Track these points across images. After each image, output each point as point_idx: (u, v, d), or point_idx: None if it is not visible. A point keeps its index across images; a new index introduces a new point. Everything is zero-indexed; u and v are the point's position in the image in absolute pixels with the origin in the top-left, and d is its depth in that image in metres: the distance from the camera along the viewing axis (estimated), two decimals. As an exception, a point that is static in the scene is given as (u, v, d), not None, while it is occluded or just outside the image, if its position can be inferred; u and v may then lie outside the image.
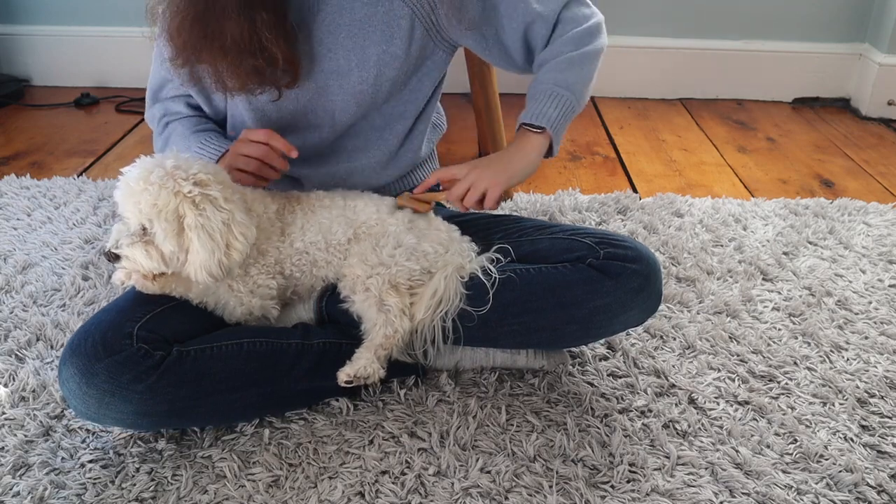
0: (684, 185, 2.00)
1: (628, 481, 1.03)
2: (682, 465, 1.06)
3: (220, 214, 1.04)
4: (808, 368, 1.26)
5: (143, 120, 2.38)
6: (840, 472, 1.05)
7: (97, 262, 1.54)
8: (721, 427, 1.13)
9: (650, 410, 1.16)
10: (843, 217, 1.78)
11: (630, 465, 1.06)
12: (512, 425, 1.12)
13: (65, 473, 1.03)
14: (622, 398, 1.19)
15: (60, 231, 1.67)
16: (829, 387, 1.22)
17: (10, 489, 1.01)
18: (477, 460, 1.05)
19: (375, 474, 1.03)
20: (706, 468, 1.06)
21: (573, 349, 1.28)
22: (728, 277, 1.53)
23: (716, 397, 1.19)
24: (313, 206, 1.19)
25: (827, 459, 1.07)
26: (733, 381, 1.23)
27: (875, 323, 1.39)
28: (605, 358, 1.28)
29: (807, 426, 1.14)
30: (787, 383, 1.22)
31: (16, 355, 1.26)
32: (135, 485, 1.01)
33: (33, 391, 1.18)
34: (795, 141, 2.32)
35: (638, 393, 1.20)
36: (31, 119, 2.42)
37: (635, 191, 1.96)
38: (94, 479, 1.02)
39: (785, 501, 1.00)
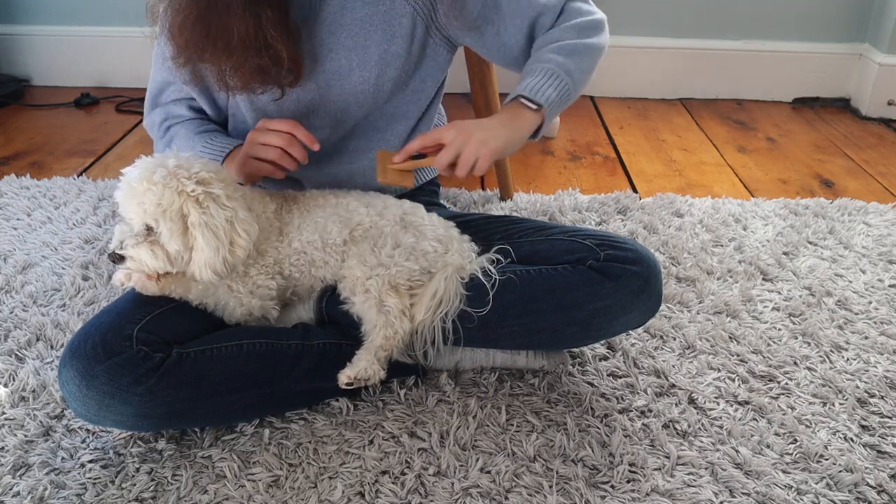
0: (684, 185, 2.00)
1: (628, 481, 1.03)
2: (682, 465, 1.06)
3: (223, 212, 1.04)
4: (808, 368, 1.26)
5: (142, 120, 2.39)
6: (840, 472, 1.05)
7: (97, 262, 1.54)
8: (721, 427, 1.13)
9: (650, 410, 1.16)
10: (843, 217, 1.78)
11: (630, 465, 1.06)
12: (512, 425, 1.12)
13: (65, 473, 1.03)
14: (622, 398, 1.19)
15: (60, 231, 1.67)
16: (829, 387, 1.22)
17: (10, 489, 1.01)
18: (477, 460, 1.05)
19: (375, 474, 1.03)
20: (706, 468, 1.06)
21: (573, 349, 1.28)
22: (728, 277, 1.53)
23: (716, 397, 1.19)
24: (308, 205, 1.19)
25: (827, 459, 1.07)
26: (733, 381, 1.23)
27: (875, 323, 1.39)
28: (605, 358, 1.28)
29: (807, 426, 1.14)
30: (787, 383, 1.22)
31: (16, 355, 1.26)
32: (135, 485, 1.01)
33: (33, 391, 1.18)
34: (795, 141, 2.32)
35: (638, 393, 1.20)
36: (31, 119, 2.42)
37: (635, 191, 1.96)
38: (94, 479, 1.02)
39: (785, 501, 1.00)
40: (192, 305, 1.12)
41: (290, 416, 1.13)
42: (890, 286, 1.51)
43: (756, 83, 2.62)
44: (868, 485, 1.04)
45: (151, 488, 1.01)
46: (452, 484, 1.02)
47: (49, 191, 1.85)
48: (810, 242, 1.67)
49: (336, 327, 1.19)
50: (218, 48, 1.07)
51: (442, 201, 1.42)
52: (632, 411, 1.16)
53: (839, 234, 1.70)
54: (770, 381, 1.23)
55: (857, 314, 1.42)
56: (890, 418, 1.16)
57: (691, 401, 1.19)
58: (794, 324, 1.38)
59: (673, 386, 1.21)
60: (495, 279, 1.12)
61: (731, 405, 1.18)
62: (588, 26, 1.18)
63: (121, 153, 2.16)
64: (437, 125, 1.39)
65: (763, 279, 1.53)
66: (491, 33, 1.20)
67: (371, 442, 1.09)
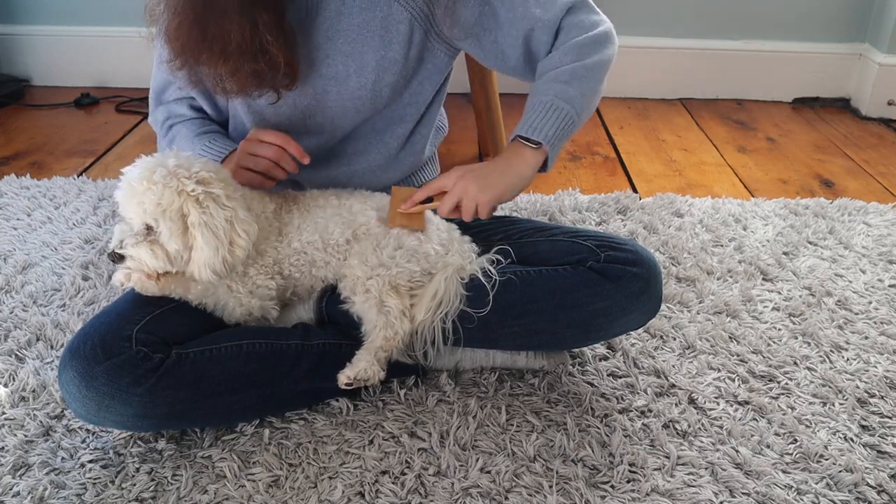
0: (684, 185, 2.00)
1: (628, 481, 1.03)
2: (682, 465, 1.06)
3: (223, 212, 1.04)
4: (808, 368, 1.26)
5: (142, 120, 2.39)
6: (840, 472, 1.05)
7: (97, 262, 1.54)
8: (721, 427, 1.13)
9: (650, 410, 1.16)
10: (843, 217, 1.78)
11: (630, 465, 1.06)
12: (512, 425, 1.12)
13: (65, 473, 1.03)
14: (622, 398, 1.19)
15: (60, 231, 1.67)
16: (829, 387, 1.22)
17: (10, 489, 1.01)
18: (477, 460, 1.05)
19: (375, 474, 1.03)
20: (706, 468, 1.06)
21: (573, 349, 1.28)
22: (728, 277, 1.53)
23: (716, 397, 1.19)
24: (308, 205, 1.19)
25: (827, 459, 1.07)
26: (733, 381, 1.23)
27: (875, 323, 1.39)
28: (605, 358, 1.28)
29: (807, 426, 1.14)
30: (787, 383, 1.22)
31: (16, 355, 1.26)
32: (135, 485, 1.01)
33: (33, 391, 1.18)
34: (795, 141, 2.32)
35: (638, 393, 1.20)
36: (31, 119, 2.42)
37: (635, 191, 1.96)
38: (94, 479, 1.02)
39: (785, 501, 1.00)
40: (191, 306, 1.12)
41: (290, 416, 1.13)
42: (890, 286, 1.51)
43: (756, 83, 2.62)
44: (868, 485, 1.04)
45: (151, 488, 1.01)
46: (452, 484, 1.02)
47: (49, 191, 1.85)
48: (810, 242, 1.67)
49: (336, 327, 1.18)
50: (214, 52, 1.06)
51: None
52: (632, 411, 1.16)
53: (839, 234, 1.70)
54: (770, 381, 1.23)
55: (857, 314, 1.42)
56: (890, 418, 1.16)
57: (691, 401, 1.19)
58: (794, 324, 1.38)
59: (673, 386, 1.21)
60: (495, 280, 1.12)
61: (731, 405, 1.18)
62: (590, 43, 1.13)
63: (121, 153, 2.16)
64: (439, 127, 1.39)
65: (763, 279, 1.53)
66: (489, 40, 1.18)
67: (371, 442, 1.09)
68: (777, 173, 2.09)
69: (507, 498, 1.00)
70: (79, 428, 1.11)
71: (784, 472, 1.05)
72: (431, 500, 1.00)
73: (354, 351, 1.12)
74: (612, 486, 1.02)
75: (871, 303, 1.45)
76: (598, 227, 1.73)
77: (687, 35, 2.58)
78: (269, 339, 1.11)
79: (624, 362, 1.27)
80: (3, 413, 1.13)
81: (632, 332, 1.33)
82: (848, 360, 1.29)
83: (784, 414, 1.16)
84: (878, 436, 1.12)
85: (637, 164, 2.13)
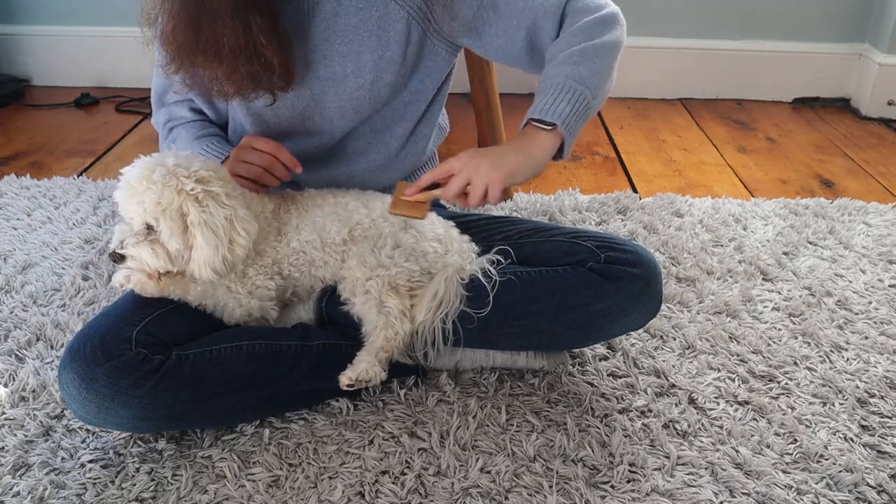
0: (684, 185, 2.00)
1: (628, 481, 1.03)
2: (682, 465, 1.06)
3: (222, 210, 1.04)
4: (808, 368, 1.26)
5: (142, 120, 2.39)
6: (840, 472, 1.05)
7: (97, 262, 1.54)
8: (721, 427, 1.13)
9: (650, 410, 1.16)
10: (843, 217, 1.78)
11: (630, 465, 1.06)
12: (512, 425, 1.12)
13: (65, 473, 1.03)
14: (622, 398, 1.19)
15: (60, 231, 1.67)
16: (829, 387, 1.22)
17: (10, 489, 1.01)
18: (477, 460, 1.05)
19: (375, 474, 1.03)
20: (706, 468, 1.06)
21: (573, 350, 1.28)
22: (728, 277, 1.53)
23: (716, 397, 1.19)
24: (306, 205, 1.19)
25: (827, 459, 1.07)
26: (733, 381, 1.23)
27: (875, 323, 1.39)
28: (605, 358, 1.28)
29: (807, 426, 1.14)
30: (787, 383, 1.22)
31: (16, 355, 1.26)
32: (135, 485, 1.01)
33: (33, 391, 1.18)
34: (795, 141, 2.32)
35: (638, 393, 1.20)
36: (31, 119, 2.42)
37: (635, 191, 1.96)
38: (94, 479, 1.02)
39: (785, 501, 1.00)
40: (191, 307, 1.12)
41: (290, 416, 1.13)
42: (890, 286, 1.51)
43: (756, 83, 2.62)
44: (868, 485, 1.04)
45: (151, 488, 1.01)
46: (452, 484, 1.02)
47: (49, 191, 1.85)
48: (810, 242, 1.67)
49: (336, 328, 1.18)
50: (208, 55, 1.06)
51: (442, 201, 1.41)
52: (632, 411, 1.16)
53: (839, 234, 1.70)
54: (770, 381, 1.23)
55: (857, 314, 1.42)
56: (890, 418, 1.16)
57: (691, 401, 1.19)
58: (794, 324, 1.38)
59: (673, 386, 1.21)
60: (495, 280, 1.12)
61: (731, 405, 1.18)
62: (597, 23, 1.11)
63: (121, 153, 2.16)
64: (441, 126, 1.39)
65: (763, 279, 1.53)
66: (490, 33, 1.17)
67: (371, 442, 1.09)
68: (777, 173, 2.09)
69: (507, 498, 1.00)
70: (79, 428, 1.11)
71: (784, 472, 1.05)
72: (431, 500, 1.00)
73: (354, 351, 1.12)
74: (612, 486, 1.02)
75: (871, 303, 1.45)
76: (598, 228, 1.73)
77: (687, 35, 2.58)
78: (269, 339, 1.11)
79: (624, 362, 1.27)
80: (3, 413, 1.13)
81: (632, 333, 1.33)
82: (848, 360, 1.29)
83: (784, 414, 1.16)
84: (878, 436, 1.12)
85: (637, 164, 2.13)
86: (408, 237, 1.16)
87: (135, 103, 2.50)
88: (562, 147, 1.08)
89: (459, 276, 1.13)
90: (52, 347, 1.29)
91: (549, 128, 1.06)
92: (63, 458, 1.06)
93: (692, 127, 2.42)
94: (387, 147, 1.27)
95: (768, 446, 1.10)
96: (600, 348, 1.30)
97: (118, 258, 1.06)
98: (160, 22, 1.08)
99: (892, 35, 2.41)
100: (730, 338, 1.34)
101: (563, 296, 1.11)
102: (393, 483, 1.02)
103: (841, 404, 1.18)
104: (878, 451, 1.10)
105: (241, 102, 1.18)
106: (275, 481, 1.03)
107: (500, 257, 1.16)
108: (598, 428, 1.12)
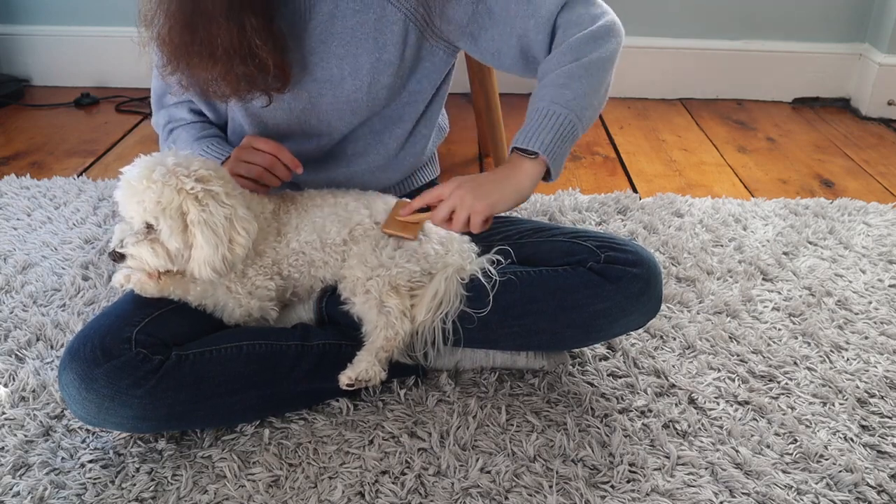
0: (684, 185, 2.00)
1: (628, 481, 1.03)
2: (682, 465, 1.06)
3: (222, 210, 1.04)
4: (808, 368, 1.26)
5: (143, 120, 2.39)
6: (840, 472, 1.05)
7: (97, 262, 1.54)
8: (721, 427, 1.13)
9: (650, 410, 1.16)
10: (843, 217, 1.78)
11: (630, 465, 1.06)
12: (512, 425, 1.12)
13: (65, 473, 1.03)
14: (622, 398, 1.19)
15: (60, 231, 1.67)
16: (829, 387, 1.22)
17: (10, 489, 1.01)
18: (477, 460, 1.05)
19: (375, 474, 1.03)
20: (706, 468, 1.06)
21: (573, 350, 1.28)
22: (728, 277, 1.53)
23: (716, 397, 1.19)
24: (306, 205, 1.19)
25: (827, 459, 1.07)
26: (733, 381, 1.23)
27: (875, 323, 1.39)
28: (605, 358, 1.28)
29: (807, 426, 1.14)
30: (787, 383, 1.22)
31: (16, 355, 1.26)
32: (135, 485, 1.01)
33: (33, 391, 1.18)
34: (795, 141, 2.32)
35: (638, 393, 1.20)
36: (31, 119, 2.42)
37: (635, 191, 1.96)
38: (94, 479, 1.02)
39: (785, 501, 1.00)
40: (191, 307, 1.12)
41: (290, 416, 1.13)
42: (890, 286, 1.51)
43: (756, 83, 2.62)
44: (868, 485, 1.04)
45: (151, 488, 1.01)
46: (452, 484, 1.02)
47: (49, 191, 1.85)
48: (810, 242, 1.67)
49: (336, 328, 1.18)
50: (203, 56, 1.06)
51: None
52: (632, 411, 1.16)
53: (839, 234, 1.70)
54: (770, 381, 1.23)
55: (857, 314, 1.42)
56: (890, 418, 1.16)
57: (691, 401, 1.19)
58: (794, 324, 1.38)
59: (673, 386, 1.21)
60: (495, 280, 1.12)
61: (731, 405, 1.18)
62: (589, 39, 1.09)
63: (121, 153, 2.16)
64: (440, 126, 1.39)
65: (763, 279, 1.53)
66: (486, 38, 1.16)
67: (371, 442, 1.09)
68: (777, 173, 2.09)
69: (507, 498, 1.00)
70: (79, 428, 1.11)
71: (784, 472, 1.05)
72: (431, 500, 1.00)
73: (354, 351, 1.12)
74: (612, 486, 1.02)
75: (871, 303, 1.45)
76: (598, 228, 1.73)
77: (687, 35, 2.58)
78: (269, 339, 1.11)
79: (624, 362, 1.27)
80: (3, 413, 1.13)
81: (632, 333, 1.33)
82: (848, 360, 1.29)
83: (784, 414, 1.16)
84: (878, 436, 1.12)
85: (637, 164, 2.13)
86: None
87: (135, 103, 2.50)
88: (549, 170, 1.09)
89: (459, 275, 1.13)
90: (52, 347, 1.29)
91: (533, 156, 1.07)
92: (63, 458, 1.06)
93: (692, 127, 2.42)
94: (386, 148, 1.27)
95: (768, 446, 1.10)
96: (600, 348, 1.30)
97: (118, 257, 1.06)
98: (157, 23, 1.08)
99: (892, 35, 2.41)
100: (730, 338, 1.34)
101: (563, 296, 1.11)
102: (393, 483, 1.02)
103: (841, 404, 1.18)
104: (878, 451, 1.10)
105: (238, 103, 1.18)
106: (275, 481, 1.03)
107: (500, 257, 1.16)
108: (598, 428, 1.12)
